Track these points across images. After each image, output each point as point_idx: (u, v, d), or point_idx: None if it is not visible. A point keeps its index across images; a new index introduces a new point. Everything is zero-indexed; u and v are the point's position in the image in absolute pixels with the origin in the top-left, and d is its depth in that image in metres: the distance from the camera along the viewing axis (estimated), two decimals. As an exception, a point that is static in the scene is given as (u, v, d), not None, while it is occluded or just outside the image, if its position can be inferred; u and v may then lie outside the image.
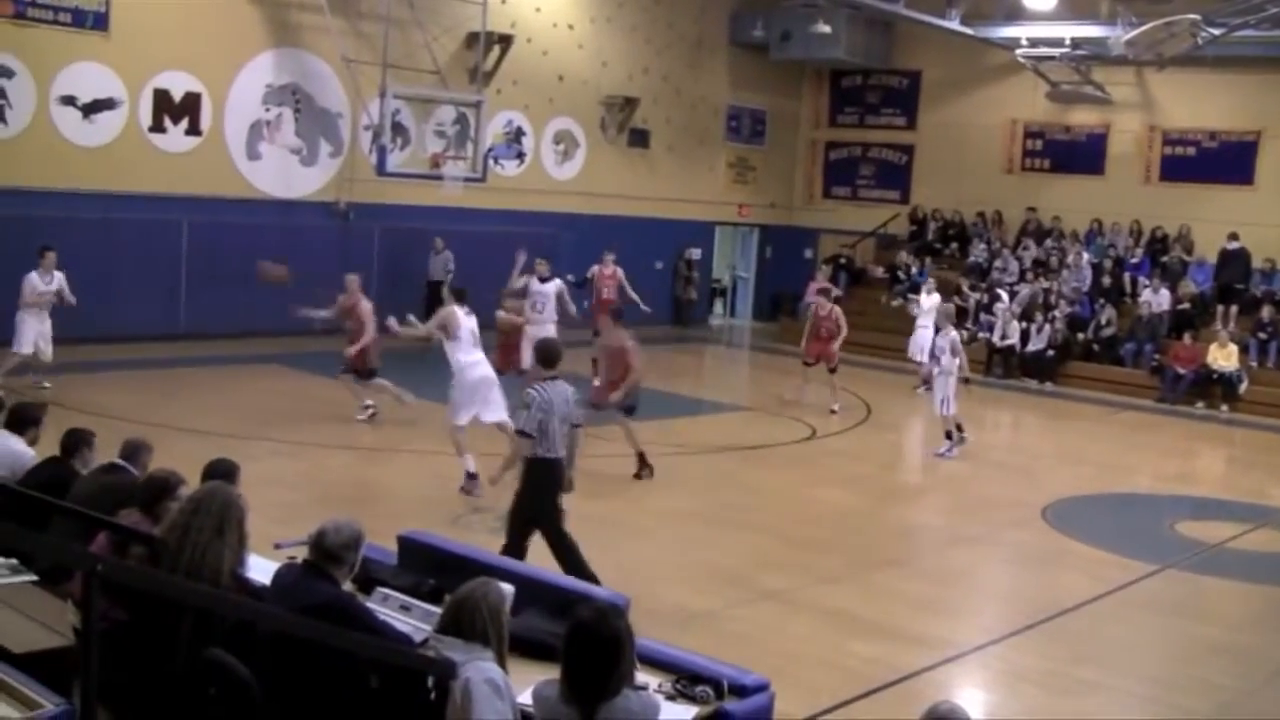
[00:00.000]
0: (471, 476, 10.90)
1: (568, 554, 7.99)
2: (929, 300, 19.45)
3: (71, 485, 6.46)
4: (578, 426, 8.50)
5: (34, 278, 14.01)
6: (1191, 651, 8.51)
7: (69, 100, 17.21)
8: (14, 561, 5.76)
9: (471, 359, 11.20)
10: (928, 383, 19.48)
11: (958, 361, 14.41)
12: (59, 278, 14.11)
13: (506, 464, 8.47)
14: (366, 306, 13.74)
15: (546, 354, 8.68)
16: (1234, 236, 21.41)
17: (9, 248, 14.69)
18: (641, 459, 12.08)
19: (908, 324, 19.97)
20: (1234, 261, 21.48)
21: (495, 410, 11.25)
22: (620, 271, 17.35)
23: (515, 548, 8.07)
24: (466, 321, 11.31)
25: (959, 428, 14.69)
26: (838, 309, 17.40)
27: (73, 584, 5.01)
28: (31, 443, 7.25)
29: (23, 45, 16.62)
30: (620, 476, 12.54)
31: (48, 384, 13.73)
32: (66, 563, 4.97)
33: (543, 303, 15.37)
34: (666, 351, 20.30)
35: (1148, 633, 8.99)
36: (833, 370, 16.93)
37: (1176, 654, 8.48)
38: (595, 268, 17.53)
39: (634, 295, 17.28)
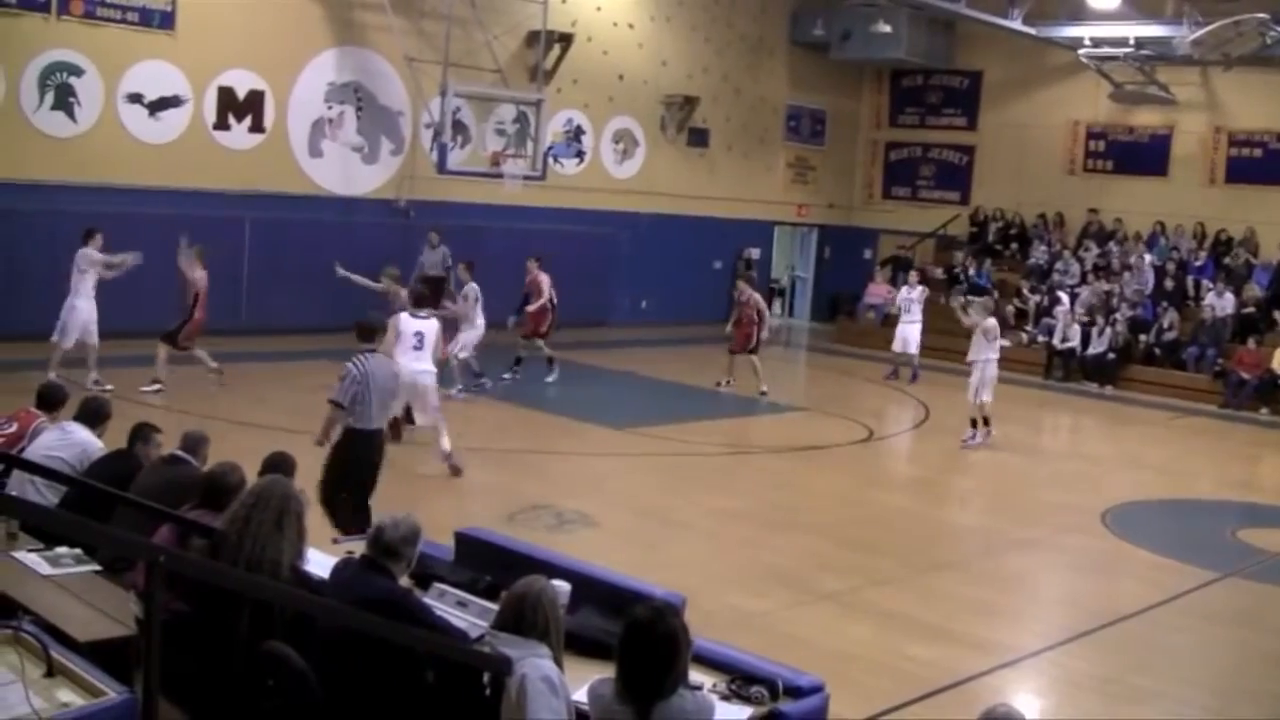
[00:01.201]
0: (448, 455, 11.42)
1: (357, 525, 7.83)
2: (911, 292, 19.37)
3: (136, 478, 6.58)
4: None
5: (88, 248, 14.00)
6: (1251, 662, 8.38)
7: (136, 98, 17.48)
8: (79, 551, 5.87)
9: (405, 365, 11.07)
10: (896, 373, 19.46)
11: (996, 350, 14.47)
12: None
13: (323, 432, 8.70)
14: (197, 277, 14.19)
15: (365, 329, 9.00)
16: None
17: (77, 242, 14.88)
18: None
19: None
20: (1288, 268, 21.10)
21: (422, 414, 11.67)
22: (545, 277, 16.92)
23: (346, 518, 8.18)
24: (409, 326, 11.31)
25: (985, 421, 14.62)
26: (756, 295, 17.45)
27: (135, 574, 5.09)
28: (100, 436, 7.40)
29: (92, 44, 16.91)
30: (678, 473, 12.56)
31: (110, 385, 13.37)
32: (129, 553, 5.04)
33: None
34: (724, 351, 20.20)
35: (1207, 641, 8.85)
36: (752, 351, 17.11)
37: (1236, 664, 8.35)
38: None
39: (553, 299, 17.06)
